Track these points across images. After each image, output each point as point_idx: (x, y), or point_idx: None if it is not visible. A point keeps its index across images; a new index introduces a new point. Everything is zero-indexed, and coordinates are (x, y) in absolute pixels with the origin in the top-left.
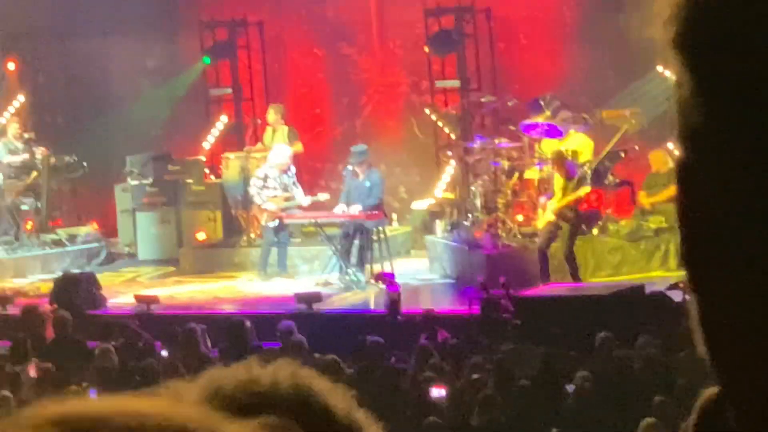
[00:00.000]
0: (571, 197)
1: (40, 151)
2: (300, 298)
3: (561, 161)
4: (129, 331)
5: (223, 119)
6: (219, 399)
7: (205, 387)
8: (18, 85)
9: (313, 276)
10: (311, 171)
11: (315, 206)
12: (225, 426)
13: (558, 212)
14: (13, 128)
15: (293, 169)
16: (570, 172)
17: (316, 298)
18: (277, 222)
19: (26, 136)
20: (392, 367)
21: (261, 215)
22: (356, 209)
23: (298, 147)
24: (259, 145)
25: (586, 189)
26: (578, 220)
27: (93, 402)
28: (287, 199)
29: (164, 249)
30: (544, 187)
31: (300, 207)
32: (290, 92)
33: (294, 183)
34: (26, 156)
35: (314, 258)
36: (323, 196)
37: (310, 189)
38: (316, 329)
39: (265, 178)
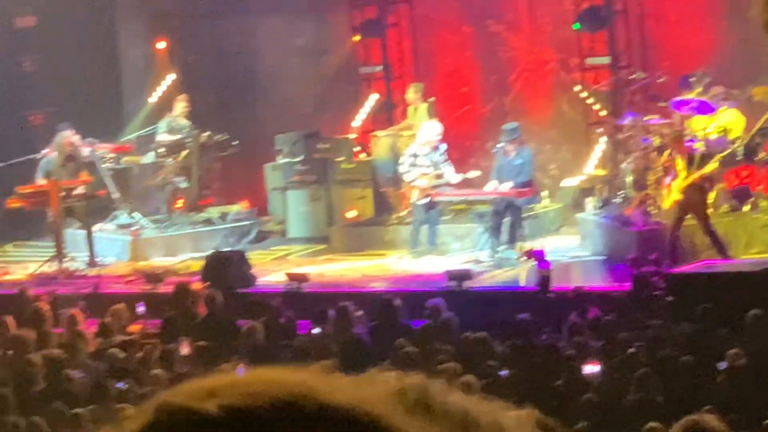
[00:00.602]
0: (696, 175)
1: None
2: (451, 275)
3: (679, 141)
4: (278, 309)
5: (373, 97)
6: (403, 398)
7: (392, 384)
8: (168, 65)
9: (464, 254)
10: (460, 149)
11: (465, 184)
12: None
13: (684, 191)
14: (180, 106)
15: (443, 146)
16: (689, 150)
17: (467, 275)
18: (427, 200)
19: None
20: (544, 345)
21: (411, 193)
22: (507, 187)
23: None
24: (405, 122)
25: (712, 166)
26: (704, 197)
27: (264, 374)
28: (437, 177)
29: (314, 227)
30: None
31: (450, 185)
32: (439, 70)
33: (444, 161)
34: (186, 135)
35: (465, 236)
36: (473, 174)
37: (459, 167)
38: (466, 307)
39: (415, 156)
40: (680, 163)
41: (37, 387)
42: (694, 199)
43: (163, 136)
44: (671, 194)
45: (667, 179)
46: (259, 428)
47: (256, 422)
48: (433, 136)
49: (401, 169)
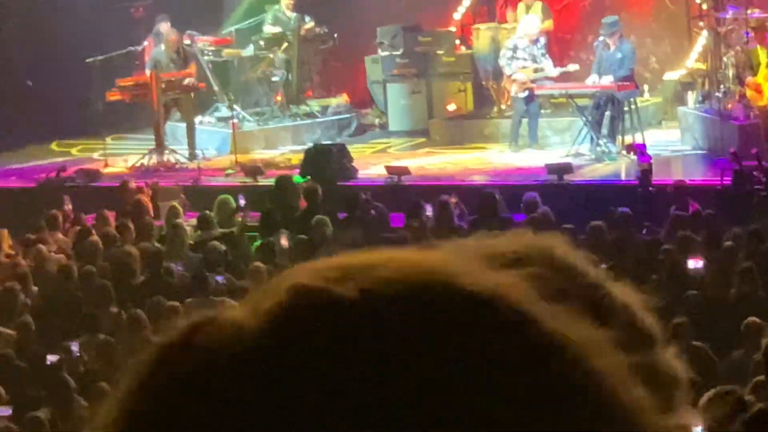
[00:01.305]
0: None
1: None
2: (551, 168)
3: (763, 31)
4: (367, 202)
5: None
6: (482, 259)
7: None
8: None
9: (564, 147)
10: (561, 42)
11: (565, 77)
12: (495, 275)
13: None
14: None
15: (542, 40)
16: None
17: (567, 168)
18: (526, 93)
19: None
20: (645, 238)
21: (511, 86)
22: (608, 80)
23: (549, 24)
24: (509, 16)
25: None
26: None
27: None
28: (536, 71)
29: (414, 120)
30: None
31: (549, 78)
32: None
33: (544, 54)
34: (288, 27)
35: (565, 129)
36: (573, 67)
37: (559, 60)
38: (566, 200)
39: (515, 49)
40: (762, 54)
41: (137, 279)
42: None
43: (269, 27)
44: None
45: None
46: (400, 316)
47: (397, 309)
48: (532, 29)
49: (501, 62)
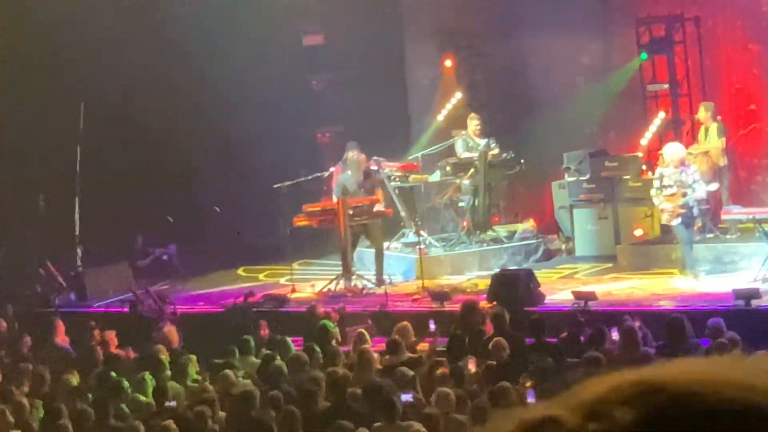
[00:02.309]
0: None
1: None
2: (738, 294)
3: None
4: (569, 326)
5: (660, 115)
6: None
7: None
8: (455, 83)
9: (752, 272)
10: (748, 167)
11: (747, 201)
12: None
13: None
14: (473, 124)
15: (693, 166)
16: None
17: (755, 294)
18: (680, 220)
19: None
20: None
21: (662, 216)
22: None
23: (721, 142)
24: (696, 144)
25: None
26: None
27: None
28: (683, 196)
29: (601, 245)
30: None
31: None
32: (725, 88)
33: (696, 181)
34: (480, 152)
35: (752, 254)
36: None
37: (746, 185)
38: (755, 326)
39: (661, 178)
40: None
41: (322, 405)
42: None
43: (464, 154)
44: None
45: None
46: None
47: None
48: (675, 155)
49: (651, 192)
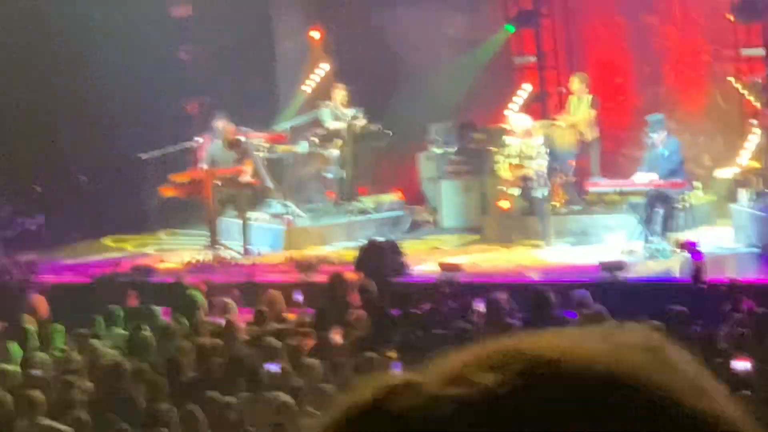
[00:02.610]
0: None
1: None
2: (604, 266)
3: None
4: (435, 298)
5: (527, 87)
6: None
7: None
8: (323, 54)
9: (617, 244)
10: (614, 139)
11: (616, 174)
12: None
13: None
14: (340, 94)
15: (538, 138)
16: None
17: (620, 266)
18: (519, 191)
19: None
20: (699, 337)
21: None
22: (650, 178)
23: (591, 114)
24: (564, 113)
25: None
26: None
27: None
28: (526, 167)
29: (468, 217)
30: None
31: (604, 175)
32: (592, 61)
33: (539, 153)
34: (347, 123)
35: (618, 226)
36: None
37: (613, 157)
38: (619, 297)
39: (506, 147)
40: None
41: (189, 375)
42: None
43: (332, 123)
44: None
45: None
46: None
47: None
48: (519, 127)
49: (495, 161)
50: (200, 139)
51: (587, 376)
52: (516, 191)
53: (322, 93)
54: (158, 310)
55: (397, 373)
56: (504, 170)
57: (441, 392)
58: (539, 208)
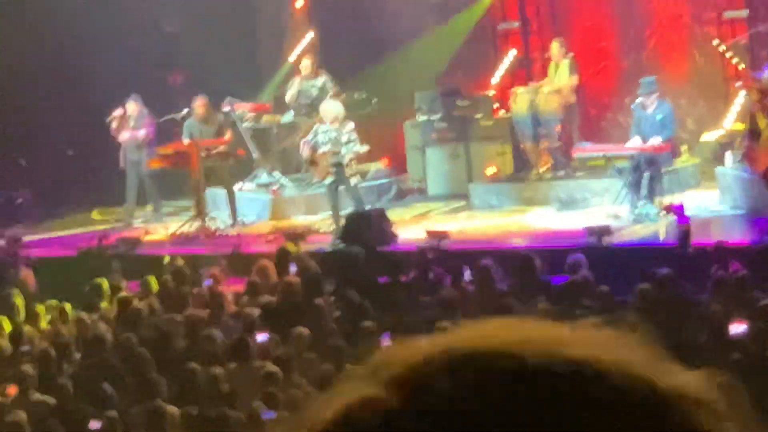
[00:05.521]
0: None
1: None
2: (591, 231)
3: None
4: (421, 266)
5: (511, 53)
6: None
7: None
8: (307, 23)
9: (603, 209)
10: (598, 105)
11: (600, 139)
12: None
13: None
14: (306, 65)
15: (350, 124)
16: None
17: (607, 231)
18: (331, 179)
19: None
20: (685, 300)
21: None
22: (651, 141)
23: (573, 80)
24: (547, 79)
25: None
26: None
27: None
28: (335, 154)
29: (454, 184)
30: None
31: (588, 140)
32: (576, 25)
33: (350, 141)
34: (319, 93)
35: (604, 191)
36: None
37: (596, 122)
38: (606, 262)
39: (316, 134)
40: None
41: (178, 347)
42: None
43: (299, 95)
44: None
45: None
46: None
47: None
48: (330, 114)
49: (301, 147)
50: (186, 110)
51: (552, 369)
52: (329, 180)
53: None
54: (153, 281)
55: (345, 381)
56: (315, 157)
57: (404, 408)
58: (354, 194)
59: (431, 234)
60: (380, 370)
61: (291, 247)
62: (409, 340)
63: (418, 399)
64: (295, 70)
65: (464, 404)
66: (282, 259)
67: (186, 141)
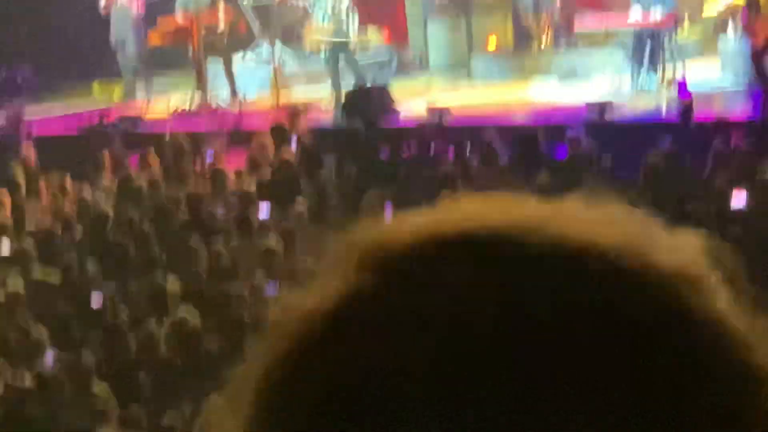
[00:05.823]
0: None
1: None
2: (591, 107)
3: None
4: (421, 140)
5: None
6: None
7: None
8: None
9: (605, 79)
10: None
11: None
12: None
13: None
14: None
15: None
16: None
17: (608, 107)
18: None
19: None
20: (689, 174)
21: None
22: (652, 12)
23: None
24: None
25: None
26: None
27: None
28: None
29: (455, 56)
30: None
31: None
32: None
33: (348, 14)
34: None
35: (606, 62)
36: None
37: None
38: (607, 137)
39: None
40: None
41: (179, 222)
42: None
43: None
44: None
45: None
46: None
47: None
48: None
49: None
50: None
51: (551, 252)
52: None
53: None
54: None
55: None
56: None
57: (389, 297)
58: (355, 68)
59: (432, 110)
60: (366, 254)
61: (288, 122)
62: (401, 217)
63: (403, 285)
64: None
65: (460, 290)
66: (278, 135)
67: (179, 14)
